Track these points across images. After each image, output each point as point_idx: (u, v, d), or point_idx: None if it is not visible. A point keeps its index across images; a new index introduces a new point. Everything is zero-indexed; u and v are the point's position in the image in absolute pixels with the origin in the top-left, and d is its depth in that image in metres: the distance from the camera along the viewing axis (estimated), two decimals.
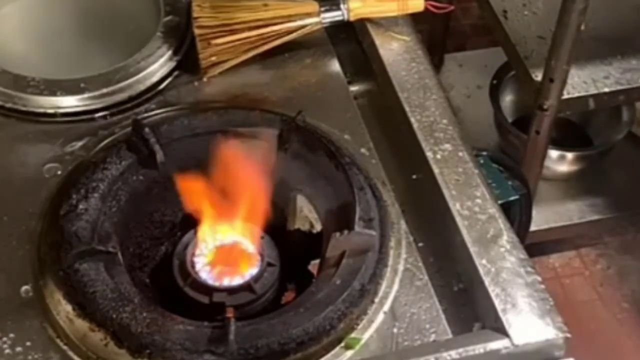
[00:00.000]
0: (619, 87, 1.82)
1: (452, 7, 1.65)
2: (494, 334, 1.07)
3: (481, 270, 1.10)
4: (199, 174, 1.15)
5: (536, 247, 2.10)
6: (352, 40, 1.42)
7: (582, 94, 1.80)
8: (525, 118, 2.01)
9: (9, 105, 1.29)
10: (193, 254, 1.15)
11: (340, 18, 1.37)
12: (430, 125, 1.25)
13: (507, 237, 1.14)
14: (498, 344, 1.06)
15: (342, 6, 1.36)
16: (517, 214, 1.30)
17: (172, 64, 1.35)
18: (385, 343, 1.09)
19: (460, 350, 1.05)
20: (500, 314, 1.07)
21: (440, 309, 1.12)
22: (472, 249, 1.12)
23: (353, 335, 1.08)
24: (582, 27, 1.66)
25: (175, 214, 1.23)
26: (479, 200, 1.17)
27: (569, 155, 2.15)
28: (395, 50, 1.35)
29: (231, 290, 1.13)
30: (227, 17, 1.32)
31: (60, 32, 1.48)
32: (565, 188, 2.19)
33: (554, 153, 2.10)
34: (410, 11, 1.38)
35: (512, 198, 1.27)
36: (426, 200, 1.21)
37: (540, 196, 2.10)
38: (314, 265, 1.18)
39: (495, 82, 2.21)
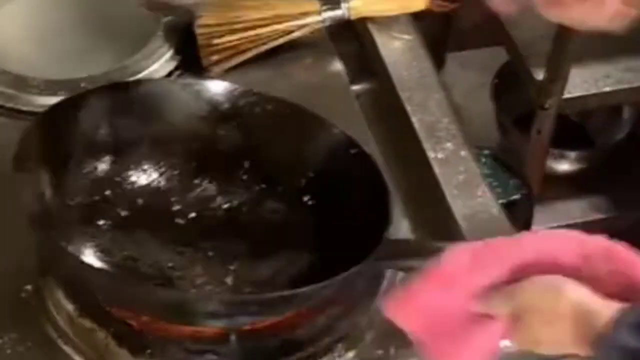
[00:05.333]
0: (620, 87, 1.82)
1: (454, 6, 1.65)
2: None
3: None
4: None
5: None
6: (353, 39, 1.42)
7: (583, 93, 1.80)
8: (526, 117, 2.01)
9: (9, 105, 1.29)
10: None
11: (341, 17, 1.37)
12: (432, 125, 1.25)
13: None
14: None
15: (343, 5, 1.36)
16: (518, 213, 1.30)
17: (173, 64, 1.34)
18: (386, 343, 1.09)
19: None
20: None
21: None
22: None
23: (353, 335, 1.08)
24: None
25: None
26: (480, 200, 1.17)
27: (570, 155, 2.15)
28: (396, 49, 1.35)
29: None
30: (228, 16, 1.32)
31: (60, 31, 1.48)
32: (567, 187, 2.18)
33: (554, 152, 2.10)
34: (411, 10, 1.38)
35: (513, 197, 1.27)
36: (427, 200, 1.21)
37: (542, 195, 2.09)
38: None
39: (496, 81, 2.20)
